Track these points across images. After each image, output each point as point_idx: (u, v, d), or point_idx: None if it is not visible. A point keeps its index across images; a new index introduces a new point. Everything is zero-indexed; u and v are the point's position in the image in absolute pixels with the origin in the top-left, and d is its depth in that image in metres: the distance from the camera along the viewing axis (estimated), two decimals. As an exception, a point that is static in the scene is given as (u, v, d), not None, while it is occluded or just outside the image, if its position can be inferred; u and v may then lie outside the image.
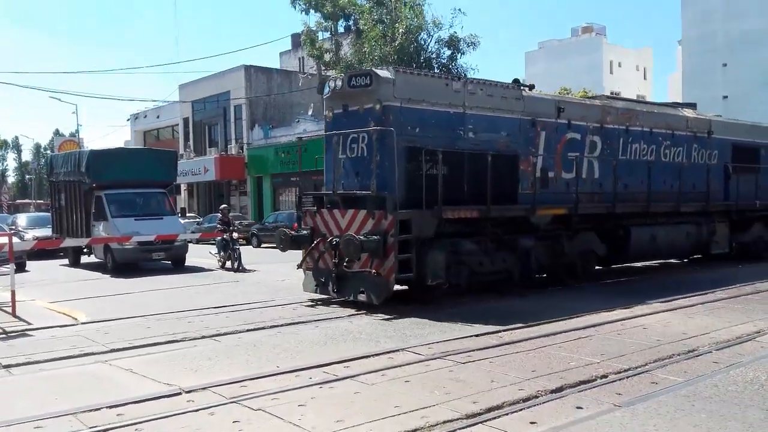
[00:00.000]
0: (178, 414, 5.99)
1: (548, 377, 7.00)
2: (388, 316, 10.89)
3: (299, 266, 12.92)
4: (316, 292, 12.68)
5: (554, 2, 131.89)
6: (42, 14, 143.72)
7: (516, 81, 14.40)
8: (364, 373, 7.25)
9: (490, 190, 12.51)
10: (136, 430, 5.62)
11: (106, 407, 6.15)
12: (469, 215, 12.27)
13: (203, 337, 9.54)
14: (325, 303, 12.37)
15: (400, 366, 7.58)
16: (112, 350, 8.77)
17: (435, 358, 7.91)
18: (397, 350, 8.39)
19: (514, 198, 13.37)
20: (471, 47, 31.28)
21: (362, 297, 11.65)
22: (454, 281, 12.32)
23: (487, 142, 12.98)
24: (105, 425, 5.71)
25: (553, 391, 6.53)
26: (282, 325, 10.34)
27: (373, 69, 11.99)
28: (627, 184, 15.73)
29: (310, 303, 12.41)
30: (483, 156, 12.44)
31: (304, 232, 12.92)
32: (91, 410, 6.10)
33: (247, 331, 9.93)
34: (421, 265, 11.71)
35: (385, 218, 11.42)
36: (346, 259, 11.68)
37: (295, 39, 47.62)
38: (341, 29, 37.04)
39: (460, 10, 32.75)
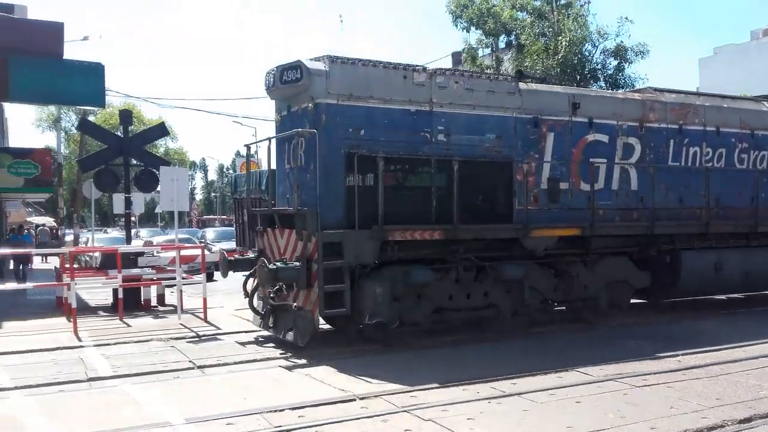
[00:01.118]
0: (354, 419, 6.33)
1: (734, 406, 6.63)
2: (303, 361, 8.85)
3: (245, 296, 11.08)
4: (260, 327, 10.80)
5: (729, 5, 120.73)
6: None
7: (519, 72, 11.80)
8: (532, 391, 7.21)
9: (457, 204, 10.06)
10: (316, 431, 6.01)
11: (289, 408, 6.63)
12: (427, 237, 9.87)
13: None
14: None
15: (570, 386, 7.46)
16: (289, 357, 9.20)
17: (607, 380, 7.70)
18: (566, 369, 8.18)
19: (508, 215, 10.76)
20: (639, 56, 29.06)
21: (290, 336, 9.63)
22: (409, 320, 9.96)
23: (465, 146, 10.53)
24: (288, 426, 6.14)
25: (741, 421, 6.20)
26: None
27: (303, 60, 10.00)
28: (681, 197, 12.47)
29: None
30: (455, 163, 10.05)
31: (251, 255, 11.12)
32: (275, 411, 6.57)
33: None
34: (359, 299, 9.51)
35: (309, 240, 9.36)
36: (274, 288, 9.74)
37: (456, 57, 46.79)
38: (502, 45, 35.87)
39: (627, 18, 30.73)
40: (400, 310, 9.84)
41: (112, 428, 6.13)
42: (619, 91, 14.25)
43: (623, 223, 11.84)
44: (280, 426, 6.10)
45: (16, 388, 7.70)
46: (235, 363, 8.96)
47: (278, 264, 9.40)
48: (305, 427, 6.08)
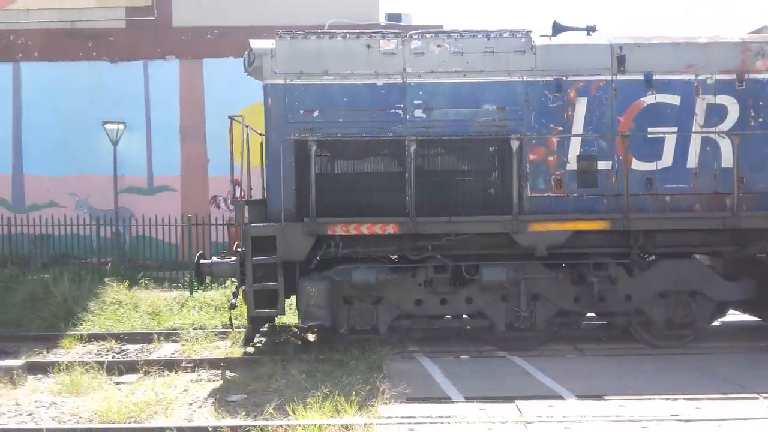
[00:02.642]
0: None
1: None
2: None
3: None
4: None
5: None
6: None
7: (555, 24, 9.38)
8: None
9: (413, 192, 8.41)
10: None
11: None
12: (378, 231, 8.41)
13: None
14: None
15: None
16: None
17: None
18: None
19: (508, 205, 8.62)
20: None
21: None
22: (362, 325, 8.64)
23: (452, 122, 8.75)
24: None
25: None
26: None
27: (253, 41, 9.11)
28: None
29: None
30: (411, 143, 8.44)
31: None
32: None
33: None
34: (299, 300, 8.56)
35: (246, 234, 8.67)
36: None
37: None
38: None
39: None
40: (351, 314, 8.61)
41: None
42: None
43: (696, 216, 8.70)
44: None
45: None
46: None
47: (215, 258, 8.92)
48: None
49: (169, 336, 10.01)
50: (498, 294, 8.62)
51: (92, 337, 10.07)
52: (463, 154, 8.77)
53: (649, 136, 8.76)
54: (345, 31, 9.03)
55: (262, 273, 8.44)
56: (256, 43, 8.98)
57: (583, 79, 8.79)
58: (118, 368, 8.21)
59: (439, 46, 8.81)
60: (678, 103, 8.81)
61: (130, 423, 6.27)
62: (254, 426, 5.84)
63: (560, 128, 8.79)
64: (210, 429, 5.89)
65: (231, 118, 8.91)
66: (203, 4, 17.94)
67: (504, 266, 8.41)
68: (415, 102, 8.79)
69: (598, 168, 8.79)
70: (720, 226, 8.50)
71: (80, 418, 6.56)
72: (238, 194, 9.91)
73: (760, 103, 8.79)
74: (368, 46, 8.79)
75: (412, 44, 8.81)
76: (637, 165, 8.78)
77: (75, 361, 8.12)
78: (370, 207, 8.57)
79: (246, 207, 8.82)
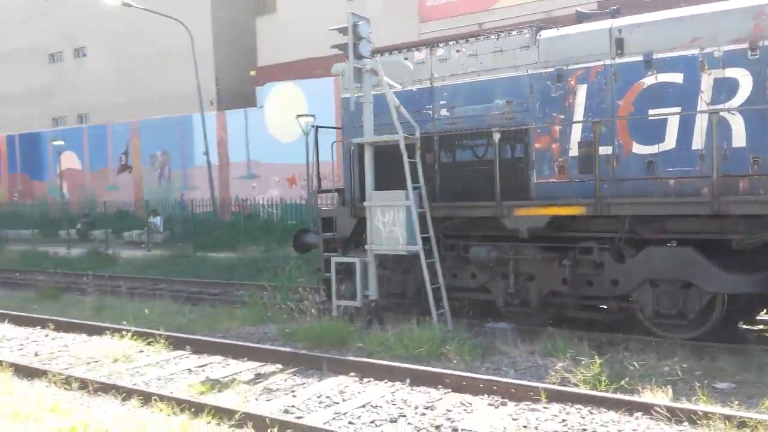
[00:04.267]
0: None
1: None
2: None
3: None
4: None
5: None
6: None
7: (577, 13, 9.56)
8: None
9: (439, 180, 9.95)
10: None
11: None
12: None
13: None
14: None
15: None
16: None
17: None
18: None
19: (526, 191, 9.47)
20: None
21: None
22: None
23: (470, 118, 9.93)
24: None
25: None
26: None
27: (336, 65, 11.03)
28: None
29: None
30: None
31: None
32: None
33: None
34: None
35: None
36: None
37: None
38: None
39: None
40: (390, 282, 10.52)
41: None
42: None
43: (666, 200, 8.19)
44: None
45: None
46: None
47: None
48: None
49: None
50: (498, 272, 9.54)
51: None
52: (477, 145, 9.83)
53: (650, 118, 8.49)
54: (386, 47, 10.81)
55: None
56: (335, 67, 11.41)
57: (582, 67, 8.95)
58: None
59: (458, 51, 9.99)
60: (681, 80, 8.29)
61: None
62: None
63: (562, 116, 9.14)
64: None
65: (316, 127, 11.53)
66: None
67: (488, 246, 9.36)
68: (441, 102, 10.17)
69: (599, 153, 8.87)
70: (701, 212, 7.90)
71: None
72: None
73: (774, 74, 7.70)
74: (406, 59, 10.47)
75: (437, 52, 10.18)
76: (637, 149, 8.62)
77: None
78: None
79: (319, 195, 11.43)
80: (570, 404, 6.26)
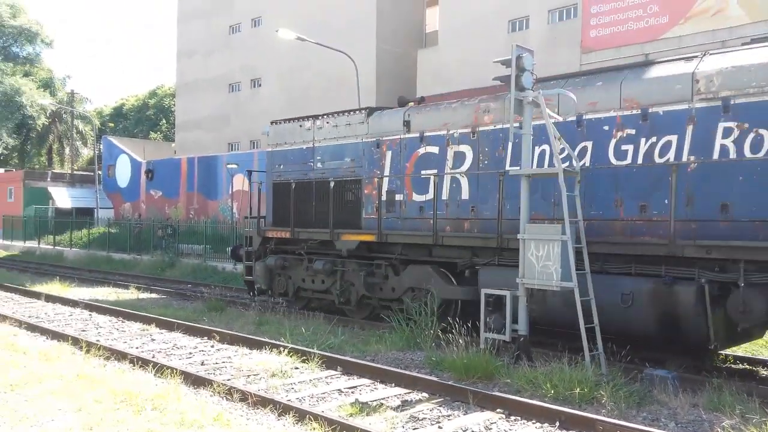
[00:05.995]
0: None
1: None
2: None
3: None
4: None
5: None
6: None
7: (400, 99, 13.49)
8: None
9: (293, 214, 14.08)
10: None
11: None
12: (282, 235, 14.39)
13: None
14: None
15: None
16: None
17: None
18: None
19: (358, 223, 13.44)
20: None
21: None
22: (279, 291, 14.70)
23: (333, 170, 14.02)
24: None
25: None
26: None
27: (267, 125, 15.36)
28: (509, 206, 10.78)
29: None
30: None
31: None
32: None
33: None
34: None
35: (253, 234, 15.70)
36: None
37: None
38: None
39: None
40: (277, 283, 14.70)
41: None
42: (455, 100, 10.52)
43: (418, 233, 12.00)
44: None
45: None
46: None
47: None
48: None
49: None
50: (332, 278, 13.50)
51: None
52: (337, 189, 13.84)
53: (421, 176, 12.23)
54: (294, 118, 15.11)
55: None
56: (265, 127, 15.88)
57: (389, 138, 12.86)
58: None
59: (328, 122, 14.16)
60: (437, 152, 12.02)
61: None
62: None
63: (378, 172, 13.04)
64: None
65: (249, 171, 16.02)
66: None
67: (324, 260, 13.38)
68: (317, 158, 14.33)
69: (396, 199, 12.69)
70: (433, 242, 11.58)
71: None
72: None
73: (486, 149, 11.27)
74: (300, 126, 14.77)
75: (317, 122, 14.39)
76: (415, 197, 12.38)
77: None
78: (306, 222, 14.40)
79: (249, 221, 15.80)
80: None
